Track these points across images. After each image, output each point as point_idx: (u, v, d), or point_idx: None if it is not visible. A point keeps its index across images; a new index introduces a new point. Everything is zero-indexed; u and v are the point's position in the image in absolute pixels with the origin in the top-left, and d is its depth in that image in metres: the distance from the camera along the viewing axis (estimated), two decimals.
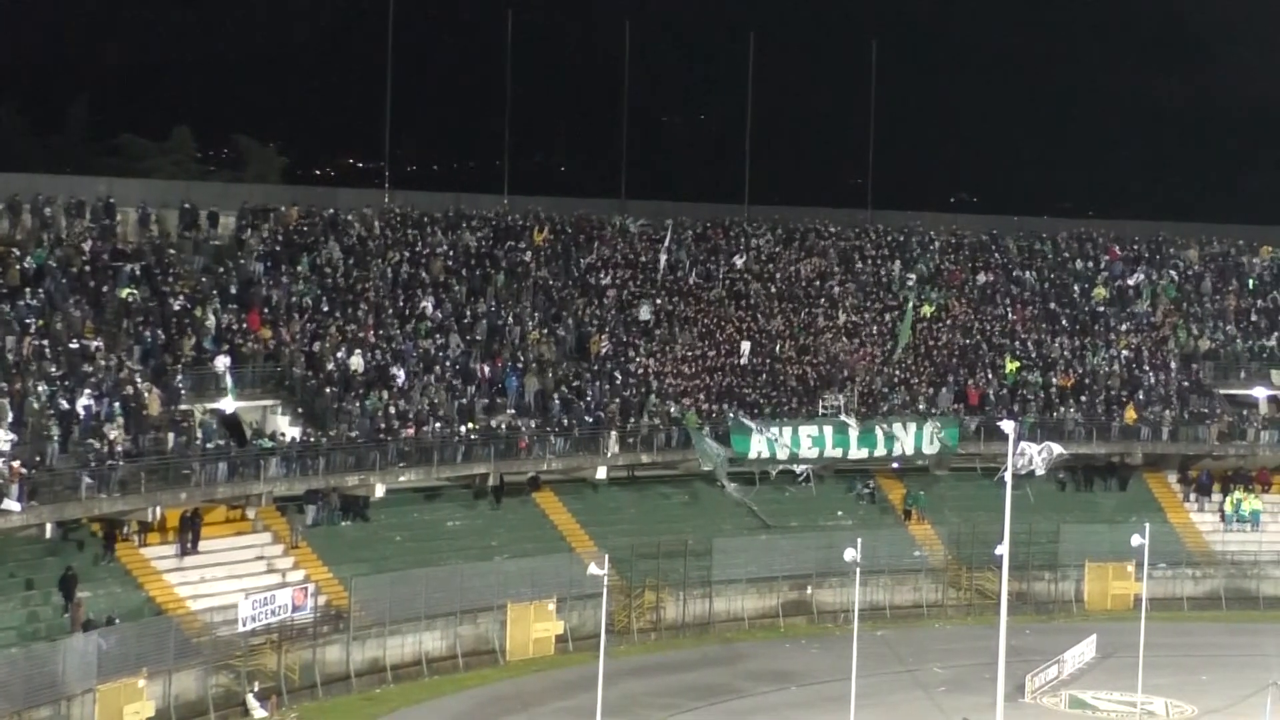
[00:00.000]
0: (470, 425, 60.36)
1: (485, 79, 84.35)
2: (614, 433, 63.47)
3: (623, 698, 51.36)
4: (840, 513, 67.95)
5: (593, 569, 47.22)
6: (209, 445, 53.82)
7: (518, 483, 63.26)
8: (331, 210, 68.06)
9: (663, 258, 71.56)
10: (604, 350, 67.16)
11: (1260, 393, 73.58)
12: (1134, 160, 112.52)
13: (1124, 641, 56.17)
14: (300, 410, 58.62)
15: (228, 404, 56.29)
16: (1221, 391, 73.83)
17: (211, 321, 58.84)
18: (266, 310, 61.23)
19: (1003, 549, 46.29)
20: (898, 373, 70.77)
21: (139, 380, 54.22)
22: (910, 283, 74.64)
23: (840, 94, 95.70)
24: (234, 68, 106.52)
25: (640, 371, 66.80)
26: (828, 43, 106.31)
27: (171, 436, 52.99)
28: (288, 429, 57.55)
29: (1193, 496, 71.61)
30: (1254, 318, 77.03)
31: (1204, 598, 68.47)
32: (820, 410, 67.52)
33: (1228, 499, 70.91)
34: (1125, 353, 74.22)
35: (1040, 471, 50.81)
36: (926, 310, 72.73)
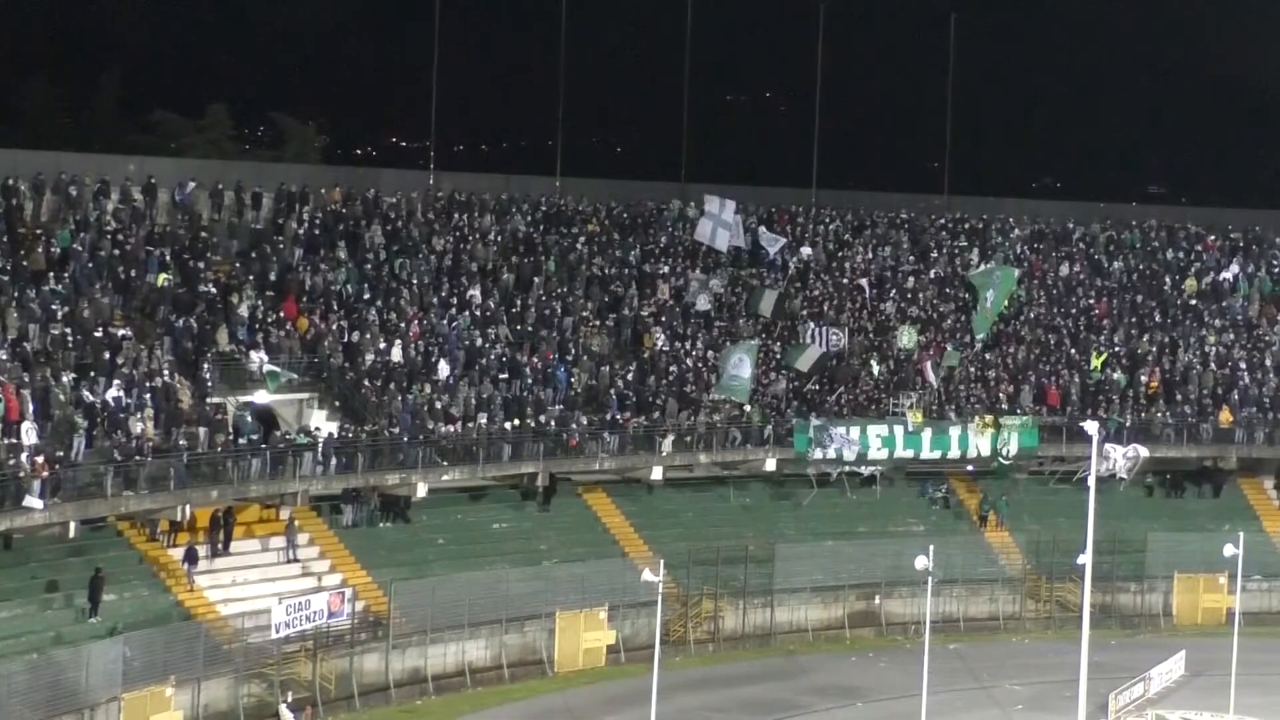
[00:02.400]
0: (517, 421, 60.33)
1: (538, 53, 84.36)
2: (670, 432, 63.34)
3: (678, 713, 51.28)
4: (911, 518, 67.62)
5: (647, 575, 47.19)
6: (242, 440, 53.98)
7: (567, 483, 63.24)
8: (373, 192, 68.20)
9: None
10: (659, 344, 67.04)
11: None
12: (1231, 144, 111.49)
13: (1215, 658, 55.70)
14: (338, 404, 58.75)
15: (266, 395, 56.42)
16: None
17: (245, 310, 59.03)
18: (304, 298, 61.40)
19: (1085, 558, 45.98)
20: (974, 369, 70.36)
21: (169, 371, 54.44)
22: (986, 267, 74.05)
23: (916, 71, 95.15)
24: (272, 42, 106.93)
25: (698, 366, 66.63)
26: (903, 16, 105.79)
27: (203, 431, 53.20)
28: (324, 424, 57.66)
29: None
30: None
31: None
32: (892, 409, 67.19)
33: None
34: (1219, 350, 73.53)
35: (1123, 475, 50.42)
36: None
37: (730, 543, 62.85)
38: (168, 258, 59.65)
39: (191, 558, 52.06)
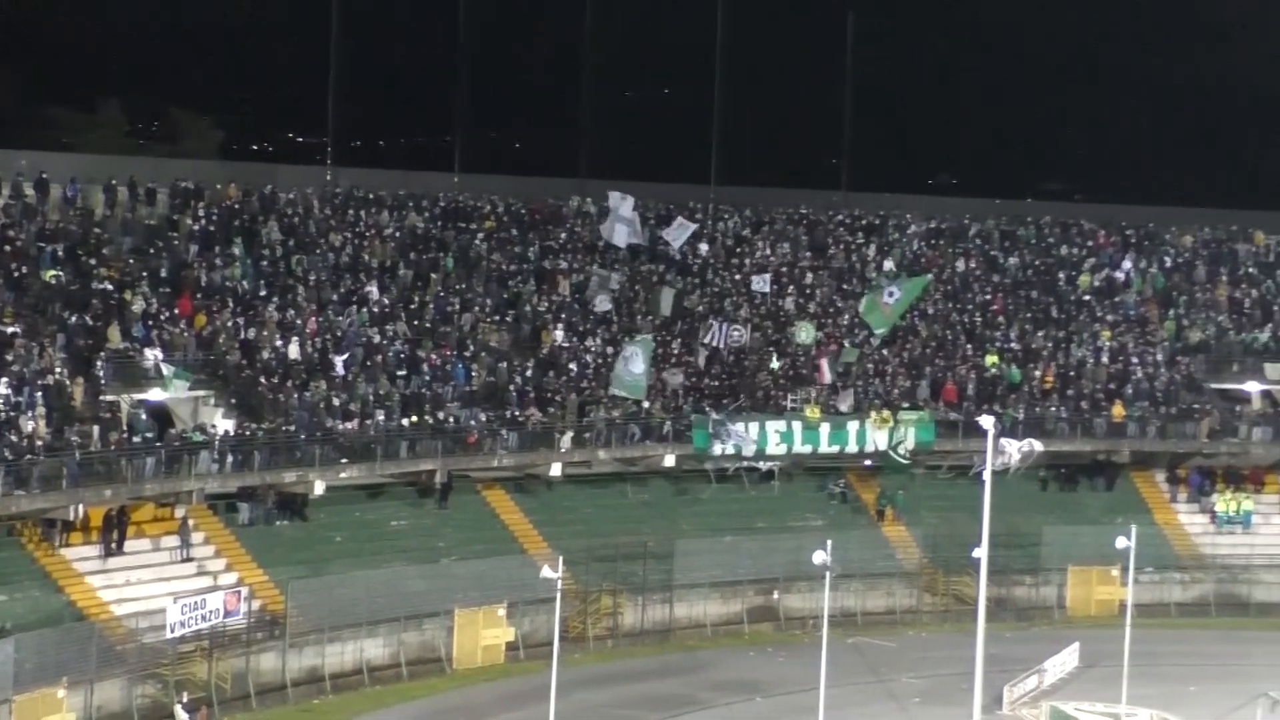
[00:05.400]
0: (415, 418, 60.09)
1: (437, 48, 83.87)
2: (569, 429, 63.36)
3: (577, 709, 51.24)
4: (809, 513, 67.95)
5: (546, 572, 47.15)
6: (136, 439, 53.44)
7: (466, 480, 63.08)
8: (270, 188, 67.77)
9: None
10: (558, 340, 67.03)
11: (1253, 387, 73.86)
12: (1125, 141, 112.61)
13: (1108, 650, 56.27)
14: (234, 402, 58.33)
15: (163, 393, 55.90)
16: (1213, 386, 74.06)
17: (140, 306, 58.44)
18: (199, 295, 60.89)
19: (981, 552, 46.27)
20: (871, 365, 70.83)
21: (61, 369, 53.81)
22: (888, 268, 74.66)
23: (814, 68, 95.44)
24: (167, 36, 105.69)
25: (597, 363, 66.67)
26: (802, 13, 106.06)
27: (96, 429, 52.63)
28: (221, 422, 57.21)
29: (1181, 496, 71.89)
30: (1247, 308, 77.31)
31: (1192, 604, 68.82)
32: (789, 405, 67.50)
33: (1219, 499, 71.23)
34: (1112, 345, 74.42)
35: (1014, 466, 50.78)
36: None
37: (629, 539, 62.91)
38: (60, 254, 58.97)
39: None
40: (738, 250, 74.92)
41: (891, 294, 71.61)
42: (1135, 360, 73.88)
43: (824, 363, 69.47)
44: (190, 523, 55.68)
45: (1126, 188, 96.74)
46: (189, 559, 55.28)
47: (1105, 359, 73.79)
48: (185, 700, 49.72)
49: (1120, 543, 55.64)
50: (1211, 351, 75.15)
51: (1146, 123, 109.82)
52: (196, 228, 63.86)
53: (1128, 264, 78.81)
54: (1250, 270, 79.48)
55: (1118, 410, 70.82)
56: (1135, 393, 71.99)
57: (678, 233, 72.63)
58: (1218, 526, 71.06)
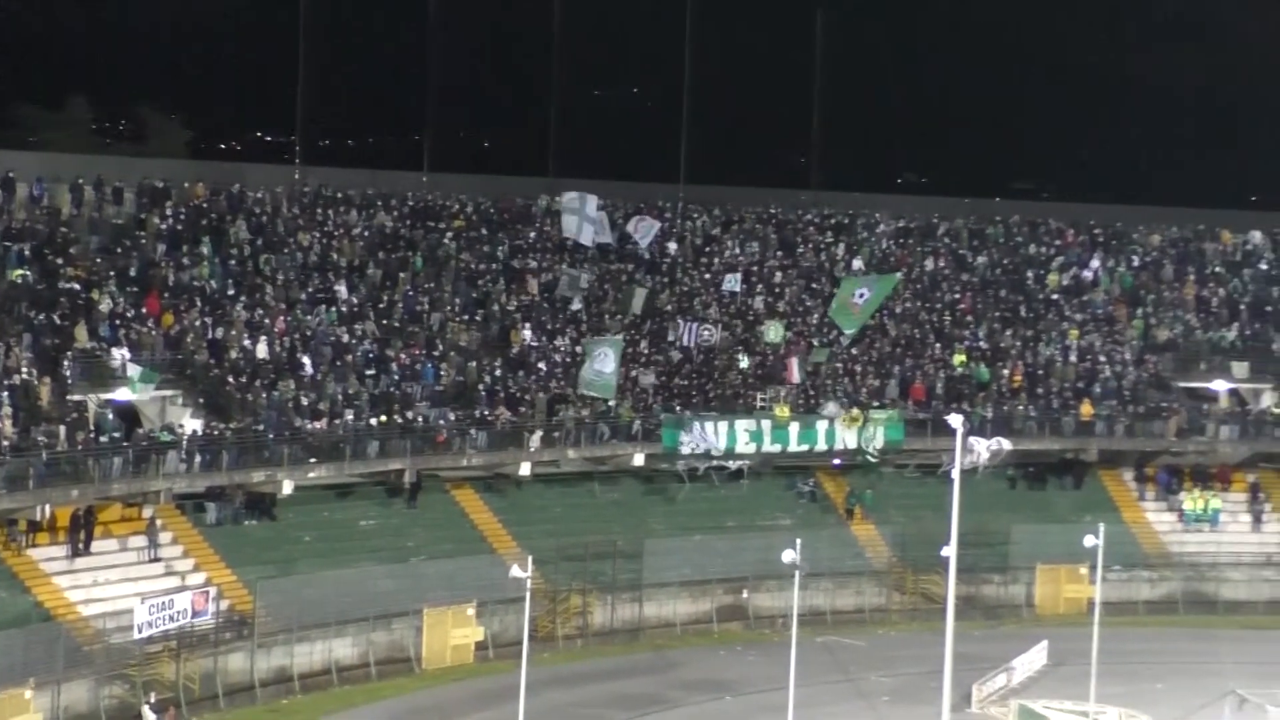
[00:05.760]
0: (384, 418, 60.00)
1: (406, 48, 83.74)
2: (538, 428, 63.32)
3: (547, 709, 51.16)
4: (779, 512, 68.02)
5: (515, 571, 47.17)
6: (103, 438, 53.24)
7: (435, 480, 63.00)
8: (238, 187, 67.60)
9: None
10: (527, 339, 67.00)
11: (1220, 386, 74.15)
12: (1093, 140, 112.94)
13: (1076, 648, 56.40)
14: (202, 401, 58.16)
15: (129, 394, 55.71)
16: (1180, 385, 74.35)
17: (107, 306, 58.24)
18: (167, 294, 60.71)
19: (950, 550, 46.39)
20: (840, 364, 70.91)
21: (28, 369, 53.58)
22: (857, 267, 74.81)
23: (783, 67, 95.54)
24: (135, 34, 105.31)
25: (566, 363, 66.65)
26: (770, 11, 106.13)
27: (63, 429, 52.43)
28: (188, 421, 57.03)
29: (1149, 495, 72.16)
30: (1214, 307, 77.63)
31: (1160, 601, 69.09)
32: (758, 404, 67.57)
33: (1187, 497, 71.53)
34: (1080, 344, 74.66)
35: (983, 465, 50.88)
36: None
37: (599, 538, 62.89)
38: (27, 253, 58.72)
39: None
40: (707, 249, 74.97)
41: (861, 294, 71.69)
42: (1103, 359, 74.14)
43: (793, 362, 69.51)
44: (158, 523, 55.49)
45: (1094, 187, 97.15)
46: (157, 559, 55.08)
47: (1073, 358, 74.02)
48: (153, 701, 49.58)
49: (1088, 541, 55.81)
50: (1179, 350, 75.45)
51: (1114, 122, 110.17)
52: (164, 227, 63.67)
53: (1096, 263, 79.08)
54: (1217, 269, 79.81)
55: (1086, 409, 71.05)
56: (1103, 391, 72.23)
57: (645, 230, 72.59)
58: (1185, 525, 71.34)
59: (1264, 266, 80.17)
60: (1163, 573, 69.60)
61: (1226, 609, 68.72)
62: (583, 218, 70.29)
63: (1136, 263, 79.69)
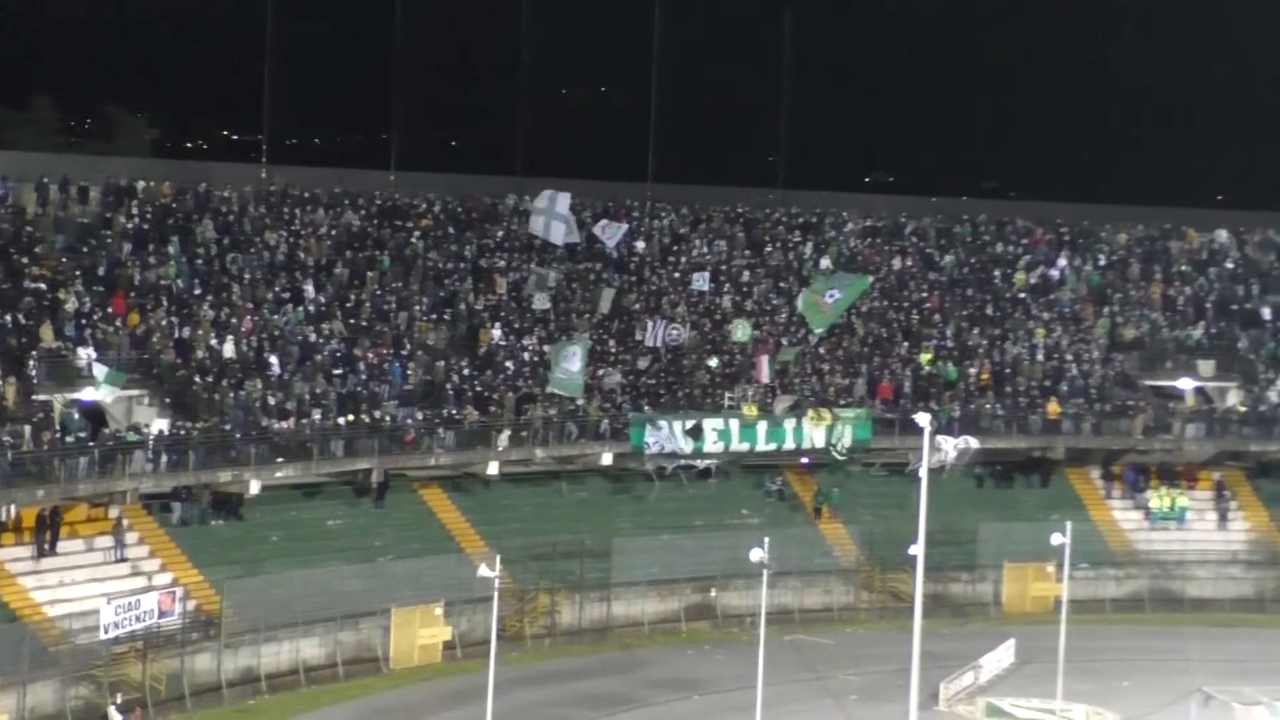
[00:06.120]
0: (351, 417, 59.90)
1: (373, 45, 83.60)
2: (506, 428, 63.27)
3: (515, 708, 51.13)
4: (746, 511, 68.15)
5: (483, 571, 47.15)
6: (69, 438, 53.04)
7: (403, 479, 62.92)
8: (205, 186, 67.40)
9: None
10: (495, 338, 66.97)
11: (1186, 384, 74.42)
12: (1060, 139, 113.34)
13: (1043, 646, 56.58)
14: (169, 401, 57.98)
15: (95, 394, 55.48)
16: (1147, 383, 74.65)
17: (73, 305, 58.02)
18: (133, 294, 60.52)
19: (917, 549, 46.51)
20: (809, 363, 71.02)
21: None
22: (824, 266, 74.93)
23: (751, 65, 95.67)
24: (100, 31, 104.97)
25: (534, 362, 66.62)
26: (739, 11, 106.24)
27: (29, 429, 52.21)
28: (155, 421, 56.82)
29: (1116, 493, 72.44)
30: (1180, 305, 77.96)
31: (1127, 599, 69.37)
32: (726, 403, 67.62)
33: (1154, 496, 71.83)
34: (1047, 342, 74.89)
35: (950, 464, 51.00)
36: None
37: (567, 537, 62.90)
38: None
39: None
40: (674, 248, 75.01)
41: (832, 294, 71.65)
42: (1070, 358, 74.40)
43: (762, 361, 69.58)
44: (124, 523, 55.29)
45: (1061, 186, 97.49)
46: (123, 559, 54.88)
47: (1040, 356, 74.27)
48: (119, 701, 49.39)
49: (1055, 539, 56.01)
50: (1145, 349, 75.76)
51: (1081, 122, 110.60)
52: (130, 226, 63.46)
53: (1062, 262, 79.35)
54: (1183, 268, 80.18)
55: (1053, 407, 71.28)
56: (1070, 390, 72.48)
57: (612, 233, 72.56)
58: (1152, 523, 71.63)
59: (1230, 265, 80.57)
60: (1129, 571, 69.89)
61: (1193, 607, 68.99)
62: (551, 216, 70.11)
63: (1103, 261, 79.99)
